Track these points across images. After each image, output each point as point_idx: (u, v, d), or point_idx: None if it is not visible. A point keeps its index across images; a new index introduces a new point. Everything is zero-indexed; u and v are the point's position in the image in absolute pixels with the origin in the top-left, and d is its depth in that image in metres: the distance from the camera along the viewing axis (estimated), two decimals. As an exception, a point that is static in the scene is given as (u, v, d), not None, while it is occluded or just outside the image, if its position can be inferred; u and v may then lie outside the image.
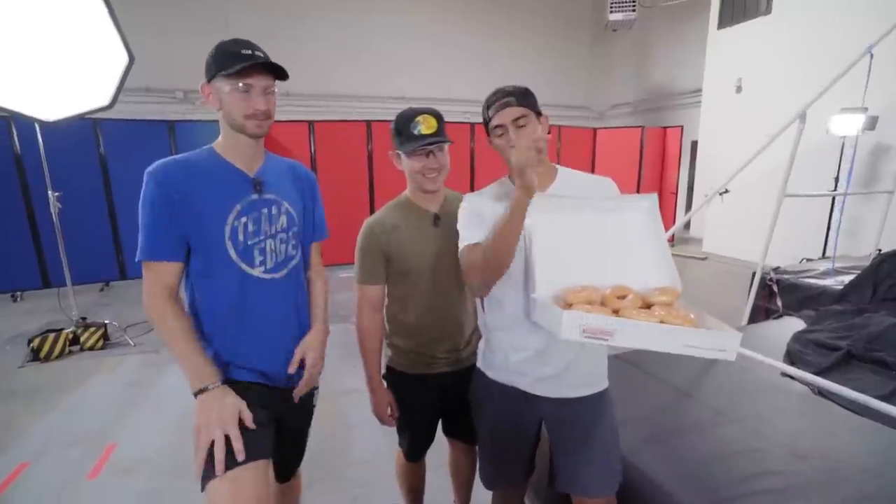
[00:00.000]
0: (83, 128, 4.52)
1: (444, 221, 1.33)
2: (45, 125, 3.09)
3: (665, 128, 7.52)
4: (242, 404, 0.96)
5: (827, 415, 1.47)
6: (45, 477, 2.02)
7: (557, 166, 1.15)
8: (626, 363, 1.85)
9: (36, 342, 3.22)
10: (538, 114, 1.08)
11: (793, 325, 2.34)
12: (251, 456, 0.92)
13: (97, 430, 2.39)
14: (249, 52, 0.99)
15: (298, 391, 1.16)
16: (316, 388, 1.27)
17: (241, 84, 0.98)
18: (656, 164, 7.44)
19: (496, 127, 1.06)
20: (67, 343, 3.33)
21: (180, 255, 1.02)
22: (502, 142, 1.07)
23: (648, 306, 0.90)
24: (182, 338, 0.98)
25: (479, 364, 1.21)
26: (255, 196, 1.08)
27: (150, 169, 1.01)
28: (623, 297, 0.91)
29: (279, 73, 1.03)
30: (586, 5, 10.12)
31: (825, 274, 3.17)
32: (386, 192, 5.86)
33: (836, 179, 4.77)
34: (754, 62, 6.28)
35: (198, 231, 1.01)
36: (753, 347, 1.85)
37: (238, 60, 0.97)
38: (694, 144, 7.63)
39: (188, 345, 0.98)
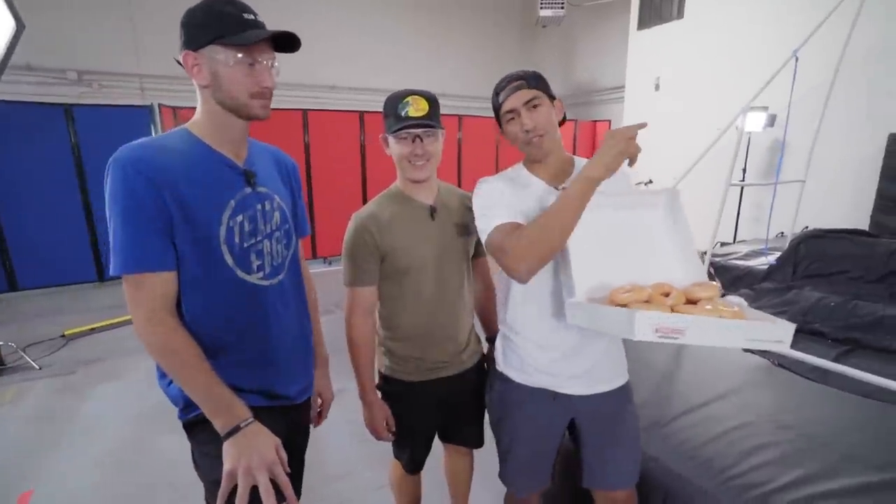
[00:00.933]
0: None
1: (441, 214, 1.24)
2: None
3: (595, 121, 7.95)
4: (278, 442, 0.82)
5: (793, 385, 1.62)
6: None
7: (575, 157, 1.11)
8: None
9: None
10: (551, 97, 1.03)
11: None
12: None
13: (5, 476, 1.98)
14: (252, 17, 0.83)
15: (315, 425, 1.10)
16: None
17: (247, 57, 0.83)
18: (588, 156, 7.86)
19: (508, 112, 1.01)
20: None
21: (175, 264, 0.82)
22: (514, 128, 1.01)
23: (693, 302, 0.88)
24: (198, 368, 0.81)
25: (500, 367, 1.14)
26: (248, 190, 0.91)
27: (119, 155, 0.79)
28: (667, 295, 0.89)
29: (280, 46, 0.87)
30: (515, 1, 10.37)
31: (749, 255, 3.53)
32: (325, 185, 5.58)
33: (745, 171, 5.34)
34: (670, 62, 6.83)
35: (190, 233, 0.82)
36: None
37: (243, 27, 0.81)
38: (618, 138, 8.16)
39: (208, 376, 0.81)
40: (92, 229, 4.58)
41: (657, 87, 7.12)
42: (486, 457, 1.37)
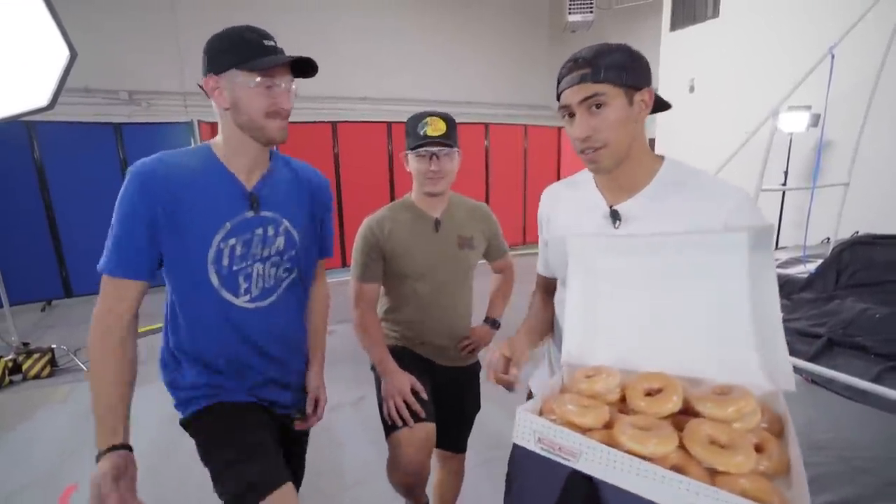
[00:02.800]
0: (15, 130, 4.07)
1: (445, 227, 1.32)
2: (-29, 129, 2.75)
3: (625, 126, 7.77)
4: (127, 473, 0.83)
5: (829, 403, 1.52)
6: (-6, 529, 1.78)
7: (665, 158, 0.84)
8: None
9: (-31, 373, 2.86)
10: (634, 87, 0.75)
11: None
12: None
13: (52, 469, 2.13)
14: (272, 43, 0.88)
15: (309, 425, 1.11)
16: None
17: (266, 80, 0.87)
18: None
19: (562, 107, 0.79)
20: (7, 372, 2.98)
21: (150, 276, 0.90)
22: (568, 130, 0.79)
23: (691, 414, 0.60)
24: (107, 382, 0.83)
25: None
26: (249, 213, 0.93)
27: (134, 168, 0.86)
28: (655, 393, 0.62)
29: (298, 71, 0.93)
30: (544, 6, 10.32)
31: (788, 263, 3.34)
32: (354, 195, 5.70)
33: (786, 173, 5.08)
34: (705, 63, 6.61)
35: (178, 250, 0.88)
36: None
37: (262, 53, 0.86)
38: (651, 143, 7.95)
39: (108, 393, 0.83)
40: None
41: (692, 89, 6.90)
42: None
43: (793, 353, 1.94)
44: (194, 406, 0.94)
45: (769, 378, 0.63)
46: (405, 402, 1.18)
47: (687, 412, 0.61)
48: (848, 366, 1.78)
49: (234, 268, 0.92)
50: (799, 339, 2.03)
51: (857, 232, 3.57)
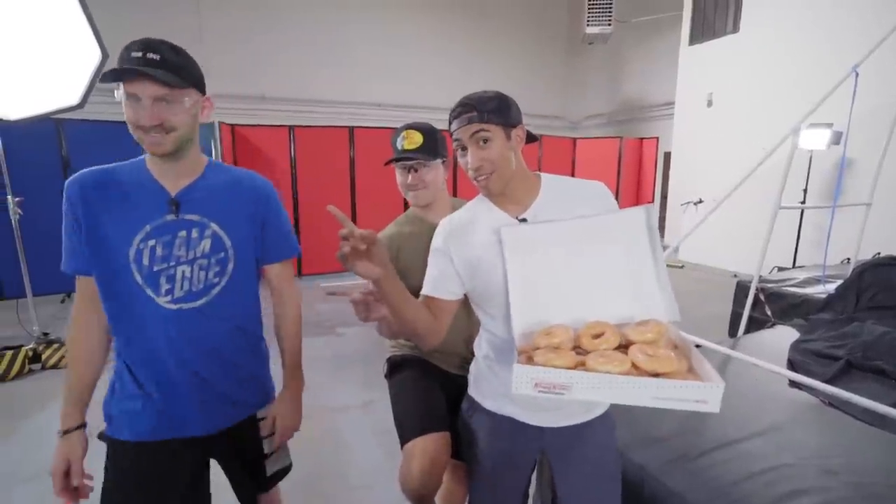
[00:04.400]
0: (44, 128, 4.21)
1: None
2: (4, 125, 2.85)
3: (641, 139, 7.74)
4: (73, 457, 0.97)
5: (844, 427, 1.49)
6: (8, 515, 1.82)
7: (541, 175, 1.01)
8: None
9: (-9, 361, 2.93)
10: (511, 125, 0.92)
11: (786, 334, 2.40)
12: None
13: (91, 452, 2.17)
14: (139, 55, 0.85)
15: (271, 448, 1.13)
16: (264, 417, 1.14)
17: (129, 92, 0.86)
18: (633, 175, 7.65)
19: (455, 141, 0.94)
20: (27, 361, 3.05)
21: (87, 269, 0.97)
22: (463, 161, 0.94)
23: (629, 345, 0.81)
24: (72, 367, 0.98)
25: (470, 391, 1.12)
26: (170, 217, 0.96)
27: (68, 179, 0.95)
28: (599, 336, 0.82)
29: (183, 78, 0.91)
30: (562, 18, 10.38)
31: (806, 283, 3.28)
32: (368, 199, 5.75)
33: (805, 191, 5.00)
34: (724, 78, 6.56)
35: (102, 252, 0.95)
36: (755, 357, 1.87)
37: (122, 62, 0.86)
38: (667, 156, 7.89)
39: (71, 378, 0.98)
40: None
41: (710, 104, 6.85)
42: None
43: (809, 374, 1.90)
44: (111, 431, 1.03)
45: (666, 313, 0.88)
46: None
47: (621, 346, 0.82)
48: (866, 389, 1.73)
49: (155, 268, 0.96)
50: (815, 361, 1.99)
51: (879, 253, 3.50)
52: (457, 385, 1.33)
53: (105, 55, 2.90)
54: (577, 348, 0.82)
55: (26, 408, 2.64)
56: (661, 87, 8.28)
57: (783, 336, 2.35)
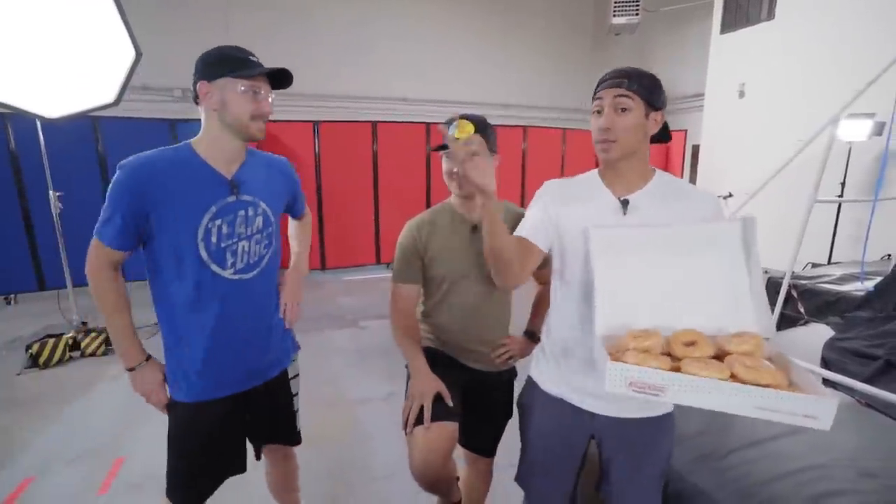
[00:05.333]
0: (82, 125, 4.39)
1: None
2: (45, 122, 2.98)
3: (671, 131, 7.54)
4: (158, 380, 1.17)
5: (883, 429, 1.43)
6: (53, 493, 1.92)
7: (657, 170, 1.03)
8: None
9: (35, 348, 3.09)
10: (653, 107, 0.94)
11: (821, 332, 2.31)
12: None
13: (104, 442, 2.28)
14: (255, 59, 1.08)
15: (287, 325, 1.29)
16: (297, 374, 1.36)
17: (253, 86, 1.05)
18: (660, 167, 7.47)
19: (595, 101, 0.97)
20: (68, 349, 3.21)
21: (130, 247, 1.06)
22: (594, 122, 0.97)
23: (725, 355, 0.79)
24: (116, 315, 1.08)
25: (531, 370, 1.16)
26: (231, 198, 1.09)
27: (124, 162, 1.02)
28: (691, 344, 0.80)
29: (275, 83, 1.11)
30: (588, 9, 10.15)
31: (842, 279, 3.15)
32: (390, 194, 5.78)
33: (843, 185, 4.78)
34: (758, 67, 6.31)
35: (170, 232, 1.03)
36: (787, 355, 1.81)
37: (249, 66, 1.05)
38: (695, 148, 7.66)
39: (120, 323, 1.09)
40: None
41: (741, 95, 6.61)
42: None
43: (846, 373, 1.83)
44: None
45: (761, 330, 0.86)
46: (424, 407, 1.19)
47: (715, 356, 0.80)
48: (907, 391, 1.66)
49: (223, 245, 1.08)
50: (852, 360, 1.91)
51: (923, 249, 3.33)
52: (472, 376, 1.36)
53: (139, 54, 3.00)
54: (667, 354, 0.81)
55: (67, 393, 2.78)
56: (690, 78, 8.03)
57: (817, 334, 2.27)
